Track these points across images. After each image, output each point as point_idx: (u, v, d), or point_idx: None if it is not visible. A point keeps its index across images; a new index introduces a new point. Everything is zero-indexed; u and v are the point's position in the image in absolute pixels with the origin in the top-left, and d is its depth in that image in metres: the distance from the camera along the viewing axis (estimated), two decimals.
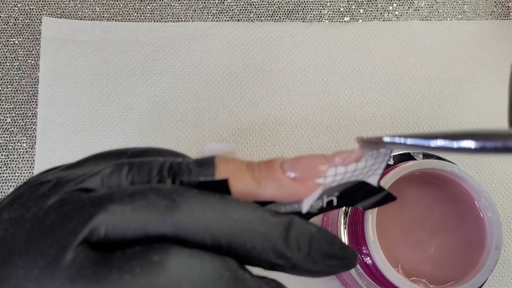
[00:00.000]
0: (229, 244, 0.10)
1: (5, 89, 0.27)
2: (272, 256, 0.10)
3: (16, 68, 0.27)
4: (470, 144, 0.09)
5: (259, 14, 0.29)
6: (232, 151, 0.12)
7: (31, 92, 0.27)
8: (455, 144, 0.10)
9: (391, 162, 0.22)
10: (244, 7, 0.29)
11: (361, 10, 0.29)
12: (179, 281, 0.09)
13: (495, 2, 0.30)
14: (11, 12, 0.28)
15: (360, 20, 0.29)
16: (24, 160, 0.26)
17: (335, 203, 0.12)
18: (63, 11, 0.28)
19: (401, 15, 0.29)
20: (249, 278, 0.10)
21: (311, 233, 0.11)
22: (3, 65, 0.27)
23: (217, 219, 0.10)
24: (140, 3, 0.29)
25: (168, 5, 0.29)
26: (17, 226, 0.10)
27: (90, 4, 0.28)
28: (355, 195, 0.12)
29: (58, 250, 0.09)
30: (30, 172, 0.26)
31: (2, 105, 0.27)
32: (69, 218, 0.10)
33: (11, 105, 0.27)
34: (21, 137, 0.26)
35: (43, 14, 0.28)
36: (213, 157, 0.11)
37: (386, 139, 0.11)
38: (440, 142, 0.10)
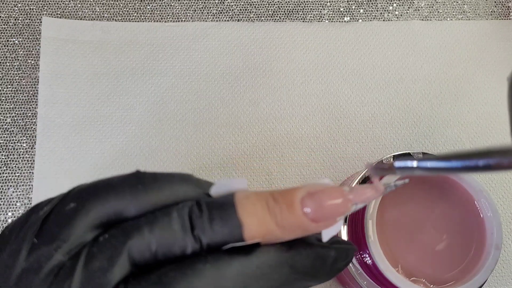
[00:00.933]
0: None
1: (5, 89, 0.27)
2: (301, 285, 0.11)
3: (16, 68, 0.27)
4: (485, 162, 0.09)
5: (259, 14, 0.29)
6: (244, 187, 0.11)
7: (31, 92, 0.27)
8: (469, 163, 0.09)
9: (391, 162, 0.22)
10: (244, 7, 0.29)
11: (361, 10, 0.29)
12: None
13: (495, 2, 0.30)
14: (11, 12, 0.28)
15: (360, 20, 0.29)
16: (24, 160, 0.26)
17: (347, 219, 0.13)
18: (63, 11, 0.28)
19: (401, 15, 0.29)
20: None
21: (333, 256, 0.12)
22: (3, 65, 0.27)
23: (257, 280, 0.10)
24: (140, 3, 0.29)
25: (168, 5, 0.29)
26: None
27: (90, 4, 0.28)
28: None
29: None
30: (30, 172, 0.26)
31: (2, 105, 0.27)
32: None
33: (11, 105, 0.27)
34: (21, 137, 0.26)
35: (43, 14, 0.28)
36: (232, 206, 0.10)
37: (397, 164, 0.11)
38: (454, 163, 0.10)
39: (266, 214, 0.11)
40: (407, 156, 0.22)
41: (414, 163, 0.10)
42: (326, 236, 0.12)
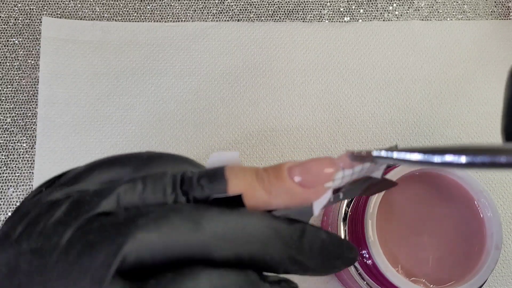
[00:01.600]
0: (251, 258, 0.11)
1: (5, 89, 0.27)
2: (288, 264, 0.11)
3: (16, 68, 0.27)
4: (454, 159, 0.09)
5: (259, 14, 0.29)
6: (237, 158, 0.12)
7: (31, 92, 0.27)
8: (437, 158, 0.10)
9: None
10: (244, 7, 0.29)
11: (361, 10, 0.29)
12: None
13: (495, 2, 0.30)
14: (11, 12, 0.28)
15: (360, 20, 0.29)
16: (24, 160, 0.26)
17: (341, 196, 0.13)
18: (63, 11, 0.28)
19: (401, 15, 0.29)
20: (268, 287, 0.11)
21: (323, 239, 0.12)
22: (3, 65, 0.27)
23: (239, 238, 0.11)
24: (140, 3, 0.29)
25: (168, 5, 0.29)
26: (42, 259, 0.10)
27: (90, 4, 0.28)
28: (360, 187, 0.13)
29: (92, 285, 0.09)
30: (30, 172, 0.26)
31: (2, 105, 0.27)
32: (97, 250, 0.10)
33: (11, 105, 0.27)
34: (21, 137, 0.26)
35: (43, 14, 0.28)
36: (222, 170, 0.11)
37: (375, 153, 0.11)
38: (417, 156, 0.10)
39: (253, 179, 0.11)
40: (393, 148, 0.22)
41: (389, 154, 0.11)
42: (317, 208, 0.12)
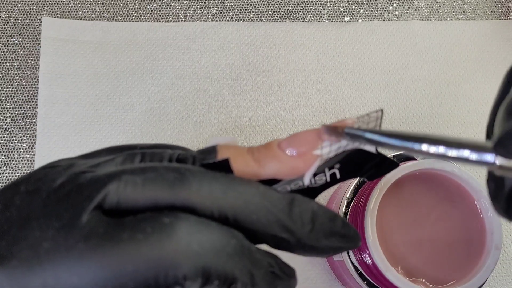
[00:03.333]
0: (235, 217, 0.10)
1: (5, 89, 0.27)
2: (277, 229, 0.11)
3: (16, 68, 0.27)
4: (425, 148, 0.10)
5: (259, 14, 0.29)
6: (234, 141, 0.12)
7: (31, 92, 0.27)
8: (411, 145, 0.10)
9: None
10: (244, 7, 0.29)
11: (361, 10, 0.29)
12: (188, 241, 0.10)
13: (495, 2, 0.30)
14: (11, 12, 0.28)
15: (360, 20, 0.29)
16: (24, 160, 0.26)
17: (338, 175, 0.13)
18: (63, 11, 0.28)
19: (401, 15, 0.29)
20: (255, 250, 0.11)
21: (314, 209, 0.11)
22: (3, 65, 0.27)
23: (223, 191, 0.11)
24: (140, 3, 0.29)
25: (168, 5, 0.29)
26: (34, 196, 0.10)
27: (90, 4, 0.28)
28: (357, 165, 0.13)
29: (73, 213, 0.10)
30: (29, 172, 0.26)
31: (2, 105, 0.27)
32: (84, 187, 0.10)
33: (11, 105, 0.27)
34: (21, 137, 0.26)
35: (43, 14, 0.28)
36: (215, 145, 0.12)
37: (347, 130, 0.11)
38: (394, 141, 0.10)
39: (244, 151, 0.12)
40: (407, 155, 0.22)
41: (365, 134, 0.11)
42: (307, 178, 0.12)
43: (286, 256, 0.12)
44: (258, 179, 0.12)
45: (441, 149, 0.09)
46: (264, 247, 0.11)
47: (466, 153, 0.09)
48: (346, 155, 0.12)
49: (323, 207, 0.12)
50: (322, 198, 0.24)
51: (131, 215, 0.10)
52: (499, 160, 0.09)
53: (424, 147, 0.10)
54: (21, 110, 0.27)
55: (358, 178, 0.21)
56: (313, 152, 0.12)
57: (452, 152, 0.09)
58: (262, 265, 0.10)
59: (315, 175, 0.12)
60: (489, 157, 0.09)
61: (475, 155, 0.09)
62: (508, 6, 0.30)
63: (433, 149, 0.10)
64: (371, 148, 0.12)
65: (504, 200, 0.11)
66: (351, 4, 0.29)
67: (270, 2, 0.29)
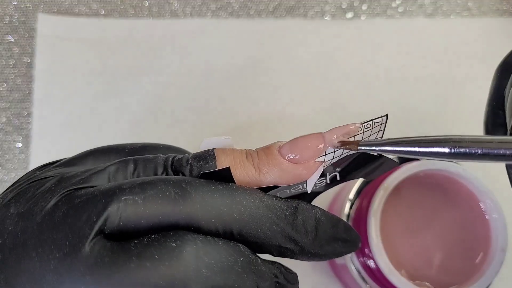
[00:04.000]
0: (240, 231, 0.10)
1: None
2: (281, 240, 0.11)
3: (11, 67, 0.27)
4: (448, 150, 0.10)
5: (259, 11, 0.28)
6: (230, 143, 0.12)
7: (26, 91, 0.27)
8: (433, 149, 0.10)
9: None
10: (244, 3, 0.28)
11: (364, 7, 0.29)
12: (197, 265, 0.09)
13: None
14: (6, 9, 0.28)
15: (363, 17, 0.29)
16: (20, 160, 0.26)
17: (338, 178, 0.12)
18: (59, 8, 0.28)
19: (404, 12, 0.29)
20: (261, 263, 0.10)
21: (317, 216, 0.11)
22: None
23: (227, 205, 0.10)
24: (137, 0, 0.28)
25: (166, 1, 0.28)
26: (27, 220, 0.10)
27: (86, 0, 0.28)
28: (357, 167, 0.13)
29: (74, 241, 0.09)
30: (25, 173, 0.25)
31: None
32: (82, 210, 0.10)
33: (6, 104, 0.27)
34: (16, 136, 0.26)
35: (38, 11, 0.28)
36: (212, 149, 0.11)
37: (362, 145, 0.11)
38: (412, 149, 0.10)
39: (243, 157, 0.11)
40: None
41: (381, 147, 0.11)
42: (310, 184, 0.12)
43: (288, 260, 0.12)
44: (259, 186, 0.11)
45: (464, 150, 0.10)
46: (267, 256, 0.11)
47: (496, 150, 0.09)
48: (347, 159, 0.12)
49: (326, 213, 0.11)
50: (325, 199, 0.24)
51: (134, 238, 0.10)
52: None
53: (447, 149, 0.10)
54: (16, 109, 0.26)
55: (361, 179, 0.21)
56: (316, 159, 0.11)
57: (479, 151, 0.10)
58: (268, 277, 0.10)
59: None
60: None
61: (505, 150, 0.09)
62: None
63: (456, 150, 0.10)
64: (373, 152, 0.12)
65: None
66: (354, 0, 0.29)
67: None
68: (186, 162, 0.11)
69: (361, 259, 0.20)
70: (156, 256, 0.09)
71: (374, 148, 0.11)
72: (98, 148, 0.12)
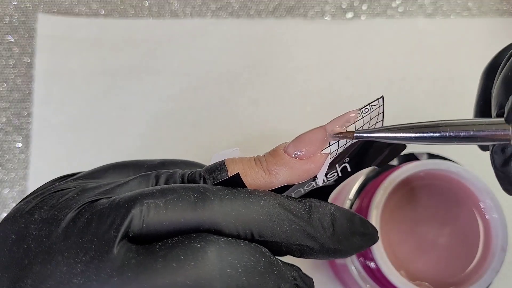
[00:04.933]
0: (260, 231, 0.10)
1: None
2: (301, 238, 0.11)
3: (11, 67, 0.27)
4: (442, 133, 0.11)
5: (259, 11, 0.28)
6: (238, 154, 0.12)
7: (26, 91, 0.27)
8: (426, 134, 0.11)
9: (395, 162, 0.21)
10: (244, 3, 0.28)
11: (364, 7, 0.29)
12: (221, 266, 0.09)
13: None
14: (6, 9, 0.28)
15: (363, 17, 0.29)
16: (20, 160, 0.26)
17: (349, 169, 0.13)
18: (59, 8, 0.28)
19: (404, 12, 0.29)
20: (281, 265, 0.11)
21: (332, 212, 0.12)
22: None
23: (245, 206, 0.10)
24: (137, 0, 0.28)
25: (166, 1, 0.28)
26: (51, 226, 0.10)
27: (86, 0, 0.28)
28: (366, 155, 0.13)
29: (100, 245, 0.09)
30: (25, 173, 0.25)
31: None
32: (106, 215, 0.10)
33: (6, 104, 0.26)
34: (16, 136, 0.26)
35: (38, 11, 0.28)
36: (222, 161, 0.12)
37: (357, 134, 0.12)
38: (407, 135, 0.11)
39: (252, 163, 0.12)
40: (411, 156, 0.21)
41: (375, 134, 0.12)
42: (320, 177, 0.12)
43: (288, 260, 0.12)
44: (271, 188, 0.11)
45: (454, 133, 0.10)
46: (287, 258, 0.11)
47: (482, 132, 0.10)
48: (355, 148, 0.12)
49: (340, 208, 0.12)
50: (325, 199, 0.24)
51: (158, 241, 0.10)
52: None
53: (441, 133, 0.10)
54: (16, 109, 0.26)
55: (361, 178, 0.21)
56: (322, 151, 0.11)
57: (466, 134, 0.10)
58: (288, 279, 0.11)
59: (327, 173, 0.12)
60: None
61: (493, 131, 0.10)
62: None
63: (449, 134, 0.10)
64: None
65: None
66: (354, 0, 0.29)
67: None
68: (199, 176, 0.11)
69: (361, 259, 0.20)
70: (182, 257, 0.09)
71: (369, 135, 0.11)
72: (117, 162, 0.13)
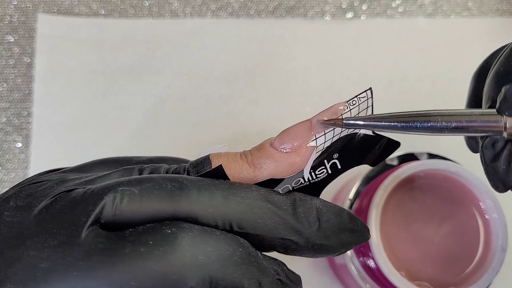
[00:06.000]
0: (240, 222, 0.10)
1: (0, 88, 0.27)
2: (284, 231, 0.10)
3: (11, 67, 0.27)
4: (432, 123, 0.11)
5: (259, 11, 0.28)
6: (226, 150, 0.12)
7: (26, 91, 0.27)
8: (414, 124, 0.11)
9: (395, 162, 0.21)
10: (244, 3, 0.28)
11: (364, 7, 0.29)
12: (194, 252, 0.09)
13: None
14: (6, 9, 0.28)
15: (363, 17, 0.29)
16: (20, 160, 0.26)
17: (339, 165, 0.12)
18: (59, 8, 0.28)
19: (404, 12, 0.29)
20: (261, 257, 0.10)
21: (318, 206, 0.11)
22: None
23: (225, 197, 0.10)
24: (137, 0, 0.28)
25: (166, 1, 0.28)
26: (25, 212, 0.10)
27: (86, 0, 0.28)
28: (356, 152, 0.12)
29: (69, 230, 0.09)
30: (25, 173, 0.25)
31: None
32: (79, 202, 0.10)
33: (6, 104, 0.26)
34: (16, 136, 0.26)
35: (38, 11, 0.28)
36: (207, 155, 0.12)
37: (346, 121, 0.11)
38: (395, 124, 0.11)
39: (237, 156, 0.11)
40: (410, 156, 0.21)
41: (363, 121, 0.11)
42: (306, 172, 0.11)
43: (287, 259, 0.11)
44: (255, 182, 0.11)
45: (445, 123, 0.10)
46: (271, 254, 0.11)
47: (474, 123, 0.10)
48: (343, 143, 0.12)
49: (327, 203, 0.11)
50: (324, 199, 0.24)
51: (130, 228, 0.10)
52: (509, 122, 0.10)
53: (431, 123, 0.10)
54: (16, 109, 0.26)
55: (361, 178, 0.21)
56: (307, 144, 0.11)
57: (458, 124, 0.10)
58: (269, 273, 0.10)
59: (314, 168, 0.12)
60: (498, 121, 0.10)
61: (485, 123, 0.10)
62: None
63: (439, 124, 0.10)
64: (368, 132, 0.12)
65: (503, 160, 0.12)
66: (354, 0, 0.29)
67: None
68: (183, 170, 0.11)
69: (361, 259, 0.20)
70: (151, 242, 0.09)
71: (358, 122, 0.11)
72: (106, 158, 0.12)
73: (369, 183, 0.21)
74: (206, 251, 0.09)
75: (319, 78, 0.27)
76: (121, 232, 0.09)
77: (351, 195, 0.21)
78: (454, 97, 0.28)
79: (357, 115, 0.12)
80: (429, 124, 0.11)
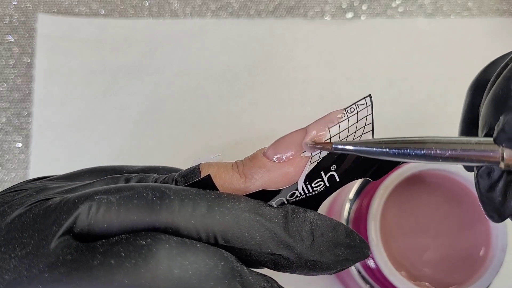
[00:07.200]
0: (225, 235, 0.09)
1: None
2: (273, 246, 0.10)
3: (11, 67, 0.27)
4: (426, 151, 0.10)
5: (259, 11, 0.28)
6: (218, 159, 0.12)
7: (26, 91, 0.27)
8: (406, 151, 0.10)
9: None
10: (244, 3, 0.28)
11: (364, 7, 0.29)
12: (168, 265, 0.08)
13: None
14: (6, 9, 0.28)
15: (363, 17, 0.29)
16: (20, 160, 0.26)
17: (337, 178, 0.11)
18: (59, 8, 0.28)
19: (404, 12, 0.29)
20: (247, 272, 0.09)
21: (312, 220, 0.10)
22: None
23: (209, 207, 0.09)
24: (137, 0, 0.28)
25: (166, 1, 0.28)
26: None
27: (86, 0, 0.28)
28: (355, 165, 0.12)
29: (39, 240, 0.09)
30: (25, 173, 0.25)
31: None
32: (53, 211, 0.09)
33: (6, 104, 0.26)
34: (16, 136, 0.26)
35: (38, 11, 0.28)
36: (197, 165, 0.11)
37: (335, 145, 0.11)
38: (387, 150, 0.10)
39: (228, 166, 0.11)
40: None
41: (354, 147, 0.11)
42: (300, 181, 0.11)
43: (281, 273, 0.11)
44: (247, 194, 0.11)
45: (440, 152, 0.09)
46: (263, 271, 0.10)
47: (470, 152, 0.09)
48: (341, 155, 0.11)
49: (323, 216, 0.11)
50: (325, 201, 0.24)
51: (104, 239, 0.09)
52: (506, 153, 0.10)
53: (425, 151, 0.10)
54: (16, 109, 0.26)
55: (361, 179, 0.21)
56: (302, 154, 0.11)
57: (453, 153, 0.10)
58: None
59: (311, 181, 0.11)
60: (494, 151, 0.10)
61: (481, 152, 0.09)
62: None
63: (434, 152, 0.10)
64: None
65: (499, 192, 0.11)
66: (354, 0, 0.29)
67: None
68: (172, 180, 0.11)
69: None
70: (123, 254, 0.08)
71: (348, 147, 0.11)
72: (95, 167, 0.12)
73: (369, 183, 0.21)
74: (183, 264, 0.09)
75: (319, 78, 0.27)
76: (93, 243, 0.09)
77: (351, 195, 0.21)
78: (454, 97, 0.28)
79: (355, 124, 0.11)
80: (422, 152, 0.10)
